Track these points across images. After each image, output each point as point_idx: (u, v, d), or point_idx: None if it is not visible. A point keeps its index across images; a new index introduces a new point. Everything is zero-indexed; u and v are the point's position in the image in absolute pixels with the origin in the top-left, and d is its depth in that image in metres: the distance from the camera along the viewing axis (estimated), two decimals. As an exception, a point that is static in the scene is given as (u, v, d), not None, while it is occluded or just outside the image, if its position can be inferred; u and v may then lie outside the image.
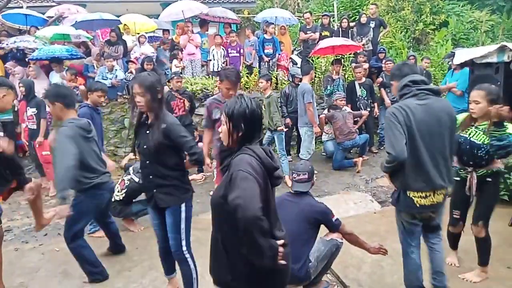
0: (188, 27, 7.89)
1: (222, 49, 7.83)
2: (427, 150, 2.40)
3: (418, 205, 2.47)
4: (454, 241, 3.41)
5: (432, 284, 2.72)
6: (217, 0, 10.91)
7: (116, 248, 3.76)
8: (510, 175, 4.60)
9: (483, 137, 2.88)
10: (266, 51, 7.80)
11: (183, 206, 2.66)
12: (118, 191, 4.19)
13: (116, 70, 7.11)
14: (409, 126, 2.37)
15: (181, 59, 7.58)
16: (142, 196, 3.96)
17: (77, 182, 2.95)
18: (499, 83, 4.16)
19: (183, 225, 2.67)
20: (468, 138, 2.94)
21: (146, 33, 9.10)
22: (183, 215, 2.66)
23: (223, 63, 7.72)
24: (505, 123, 2.70)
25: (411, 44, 11.40)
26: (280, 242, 1.68)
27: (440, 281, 2.69)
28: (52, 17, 8.95)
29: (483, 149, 2.87)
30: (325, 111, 6.57)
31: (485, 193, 3.02)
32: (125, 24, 8.60)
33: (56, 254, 3.85)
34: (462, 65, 5.55)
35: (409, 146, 2.37)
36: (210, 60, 7.81)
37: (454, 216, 3.20)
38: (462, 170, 3.06)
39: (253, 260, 1.61)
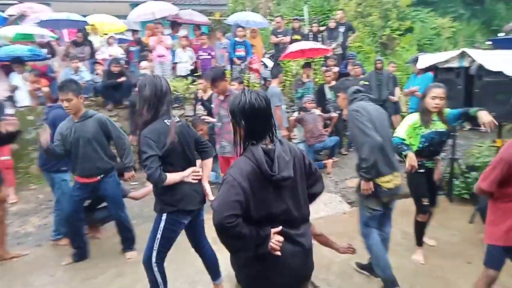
0: (157, 28, 7.77)
1: (190, 50, 7.75)
2: (384, 139, 2.86)
3: (386, 189, 2.89)
4: (421, 232, 3.55)
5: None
6: (188, 2, 10.82)
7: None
8: (470, 175, 4.82)
9: (443, 125, 3.28)
10: (237, 53, 7.80)
11: (163, 216, 2.59)
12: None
13: (81, 71, 6.89)
14: (369, 120, 2.85)
15: (151, 61, 7.45)
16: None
17: None
18: (460, 86, 4.35)
19: (159, 235, 2.59)
20: (436, 130, 3.27)
21: (115, 34, 8.89)
22: (161, 224, 2.58)
23: (191, 65, 7.64)
24: None
25: (379, 49, 11.76)
26: (275, 230, 1.73)
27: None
28: (14, 15, 8.56)
29: (447, 135, 3.32)
30: (295, 114, 6.64)
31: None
32: (92, 24, 8.36)
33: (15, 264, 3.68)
34: (424, 70, 5.76)
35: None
36: (177, 62, 7.70)
37: (424, 203, 3.37)
38: (429, 162, 3.35)
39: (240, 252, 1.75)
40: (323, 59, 8.39)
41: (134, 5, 9.26)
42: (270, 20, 10.14)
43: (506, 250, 2.47)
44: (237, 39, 7.85)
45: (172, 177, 2.50)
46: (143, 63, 7.25)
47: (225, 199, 1.62)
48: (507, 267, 2.96)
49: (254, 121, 1.74)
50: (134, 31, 8.77)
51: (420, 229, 3.55)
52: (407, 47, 11.54)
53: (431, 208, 3.51)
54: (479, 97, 4.09)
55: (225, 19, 9.58)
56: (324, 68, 7.29)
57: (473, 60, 4.17)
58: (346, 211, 4.88)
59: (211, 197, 2.87)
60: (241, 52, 7.80)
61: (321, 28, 8.89)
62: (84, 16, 8.12)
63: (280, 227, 1.75)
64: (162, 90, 2.51)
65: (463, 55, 4.29)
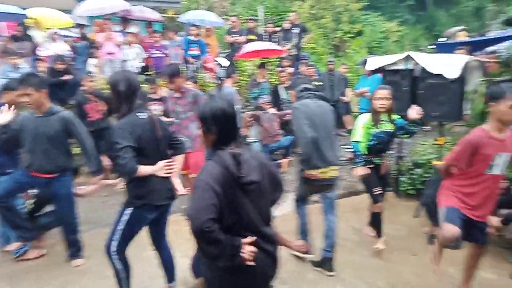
0: (106, 24, 7.43)
1: (138, 47, 7.48)
2: (322, 135, 3.17)
3: (319, 178, 3.23)
4: (380, 223, 3.67)
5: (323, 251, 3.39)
6: (140, -2, 10.44)
7: None
8: (415, 172, 5.10)
9: (391, 126, 3.48)
10: (191, 52, 7.66)
11: (127, 210, 2.57)
12: (24, 204, 3.76)
13: (21, 68, 6.41)
14: (309, 117, 3.17)
15: (99, 58, 7.10)
16: (49, 208, 3.63)
17: None
18: (406, 88, 4.57)
19: (119, 228, 2.57)
20: (385, 130, 3.45)
21: (60, 29, 8.37)
22: (125, 217, 2.57)
23: (140, 62, 7.37)
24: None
25: (331, 51, 12.13)
26: (247, 240, 1.70)
27: (329, 243, 3.38)
28: None
29: (393, 135, 3.52)
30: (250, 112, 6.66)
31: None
32: (35, 18, 7.82)
33: None
34: (373, 71, 6.01)
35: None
36: (125, 60, 7.39)
37: (377, 193, 3.53)
38: (376, 159, 3.56)
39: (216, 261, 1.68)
40: (279, 60, 8.48)
41: (81, -1, 8.79)
42: (225, 19, 10.08)
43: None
44: (191, 37, 7.72)
45: (144, 169, 2.50)
46: (91, 61, 6.91)
47: (201, 203, 1.59)
48: (453, 258, 3.18)
49: (225, 126, 1.75)
50: (81, 26, 8.32)
51: (378, 221, 3.69)
52: (358, 49, 12.01)
53: (383, 200, 3.68)
54: (423, 98, 4.32)
55: (179, 17, 9.38)
56: (279, 68, 7.37)
57: (417, 63, 4.41)
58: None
59: (182, 191, 2.97)
60: (195, 51, 7.67)
61: (276, 29, 8.98)
62: (24, 9, 7.57)
63: (253, 238, 1.73)
64: (135, 84, 2.57)
65: (408, 58, 4.51)
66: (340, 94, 7.86)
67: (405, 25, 14.06)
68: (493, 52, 7.33)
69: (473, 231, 2.72)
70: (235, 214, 1.71)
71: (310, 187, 3.34)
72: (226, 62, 7.80)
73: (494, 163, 2.55)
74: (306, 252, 3.25)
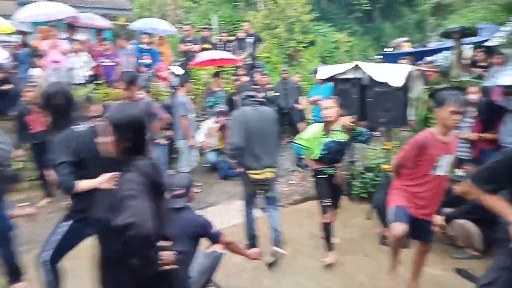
0: (51, 31, 7.06)
1: (85, 55, 7.17)
2: (258, 140, 3.45)
3: (254, 178, 3.51)
4: (329, 234, 3.63)
5: (273, 239, 3.64)
6: (88, 5, 10.05)
7: None
8: (367, 175, 5.30)
9: (343, 135, 3.47)
10: (143, 61, 7.47)
11: (66, 223, 2.55)
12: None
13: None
14: (245, 124, 3.44)
15: (42, 66, 6.70)
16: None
17: None
18: (355, 96, 4.77)
19: (55, 238, 2.53)
20: (335, 140, 3.49)
21: None
22: (64, 229, 2.54)
23: (88, 71, 7.08)
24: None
25: (286, 60, 12.41)
26: (166, 244, 1.69)
27: (277, 235, 3.64)
28: None
29: (345, 145, 3.53)
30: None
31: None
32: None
33: None
34: (326, 80, 6.21)
35: (246, 138, 3.43)
36: (72, 68, 7.03)
37: (326, 204, 3.57)
38: (329, 168, 3.57)
39: (143, 271, 1.62)
40: (234, 69, 8.52)
41: (22, 4, 8.31)
42: (179, 28, 9.98)
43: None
44: (143, 46, 7.54)
45: (83, 184, 2.40)
46: (35, 70, 6.52)
47: (141, 211, 1.54)
48: (403, 258, 3.31)
49: (140, 134, 1.72)
50: (23, 33, 7.84)
51: (327, 231, 3.66)
52: (311, 58, 12.39)
53: (333, 210, 3.74)
54: (371, 105, 4.54)
55: (130, 25, 9.15)
56: (234, 77, 7.40)
57: (365, 72, 4.62)
58: (258, 217, 4.95)
59: None
60: (146, 59, 7.49)
61: (231, 38, 9.03)
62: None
63: (170, 242, 1.74)
64: (70, 96, 2.50)
65: (356, 67, 4.72)
66: (294, 102, 8.04)
67: (355, 36, 14.73)
68: (432, 61, 7.89)
69: (419, 230, 2.87)
70: (157, 222, 1.68)
71: (249, 187, 3.65)
72: (180, 71, 7.69)
73: (438, 164, 2.71)
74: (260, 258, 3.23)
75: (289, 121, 8.07)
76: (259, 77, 7.46)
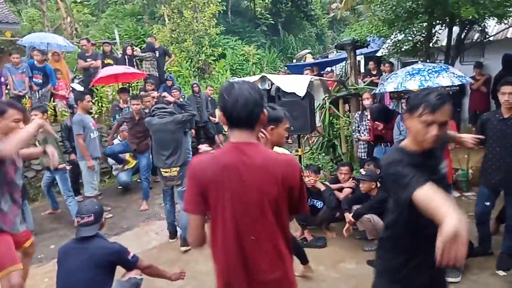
0: None
1: None
2: (160, 144, 4.25)
3: (164, 176, 4.30)
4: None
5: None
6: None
7: None
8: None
9: None
10: (35, 79, 6.74)
11: None
12: None
13: None
14: (152, 132, 4.40)
15: None
16: None
17: None
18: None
19: None
20: None
21: None
22: None
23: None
24: None
25: (197, 73, 12.35)
26: None
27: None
28: None
29: None
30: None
31: None
32: None
33: None
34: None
35: (154, 142, 4.41)
36: None
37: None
38: None
39: None
40: (142, 84, 8.20)
41: None
42: (77, 42, 9.31)
43: None
44: (35, 63, 6.81)
45: None
46: None
47: None
48: (317, 256, 3.47)
49: None
50: None
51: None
52: (222, 71, 12.53)
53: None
54: (280, 114, 4.72)
55: (19, 40, 8.24)
56: (143, 92, 7.11)
57: (272, 83, 4.81)
58: (179, 235, 4.79)
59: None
60: (38, 78, 6.80)
61: (135, 52, 8.70)
62: None
63: None
64: None
65: (264, 79, 4.88)
66: (209, 115, 8.04)
67: (262, 49, 15.31)
68: (332, 71, 8.58)
69: None
70: None
71: (163, 183, 4.42)
72: (80, 88, 7.15)
73: None
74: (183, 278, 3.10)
75: (205, 134, 8.03)
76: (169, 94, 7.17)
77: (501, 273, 3.29)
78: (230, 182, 1.45)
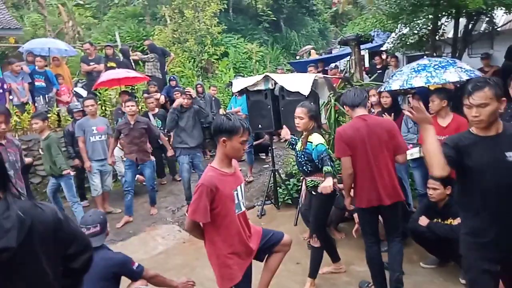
0: None
1: None
2: None
3: None
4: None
5: None
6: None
7: None
8: (290, 182, 5.42)
9: (299, 145, 3.34)
10: (37, 83, 6.75)
11: None
12: None
13: None
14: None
15: None
16: None
17: None
18: (269, 106, 4.83)
19: None
20: (296, 149, 3.41)
21: None
22: None
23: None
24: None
25: (200, 73, 12.29)
26: None
27: None
28: None
29: (300, 155, 3.29)
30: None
31: (312, 205, 3.36)
32: None
33: None
34: (242, 92, 6.26)
35: None
36: None
37: None
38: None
39: None
40: (146, 86, 8.16)
41: None
42: (80, 46, 9.29)
43: None
44: (36, 68, 6.80)
45: None
46: None
47: None
48: (295, 258, 3.40)
49: None
50: None
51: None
52: (225, 70, 12.45)
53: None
54: (284, 114, 4.63)
55: (22, 46, 8.23)
56: (146, 95, 7.07)
57: (276, 83, 4.72)
58: (186, 239, 4.74)
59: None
60: (40, 82, 6.81)
61: (135, 57, 8.69)
62: None
63: None
64: None
65: (267, 78, 4.80)
66: (214, 115, 7.97)
67: (265, 46, 15.20)
68: (337, 67, 8.45)
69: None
70: None
71: None
72: (84, 92, 7.13)
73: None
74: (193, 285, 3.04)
75: (210, 135, 7.97)
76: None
77: None
78: (363, 135, 2.85)
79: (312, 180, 3.31)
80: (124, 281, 2.63)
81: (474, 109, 1.92)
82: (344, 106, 3.17)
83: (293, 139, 3.64)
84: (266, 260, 2.68)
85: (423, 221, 3.36)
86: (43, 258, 1.28)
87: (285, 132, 3.84)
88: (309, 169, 3.27)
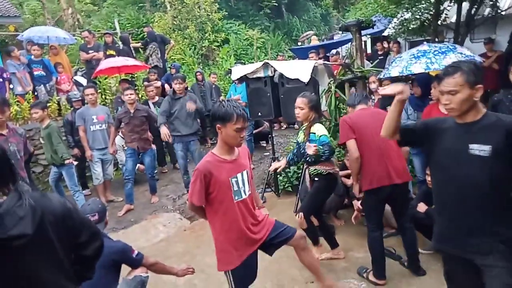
0: None
1: None
2: None
3: None
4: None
5: None
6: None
7: None
8: (290, 169, 5.43)
9: (302, 136, 3.35)
10: (36, 73, 6.72)
11: None
12: None
13: None
14: None
15: None
16: None
17: None
18: (268, 94, 4.81)
19: None
20: (298, 140, 3.45)
21: None
22: None
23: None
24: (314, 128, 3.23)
25: (201, 60, 12.20)
26: None
27: None
28: None
29: (304, 147, 3.29)
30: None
31: (312, 188, 3.44)
32: None
33: None
34: (242, 80, 6.22)
35: None
36: None
37: None
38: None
39: None
40: (146, 73, 8.12)
41: None
42: (79, 34, 9.23)
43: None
44: (32, 57, 6.77)
45: None
46: None
47: None
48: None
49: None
50: None
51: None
52: (226, 57, 12.34)
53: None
54: (284, 101, 4.61)
55: (22, 34, 8.18)
56: (146, 83, 7.04)
57: (275, 70, 4.68)
58: (187, 227, 4.79)
59: None
60: (40, 71, 6.79)
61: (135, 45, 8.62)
62: None
63: None
64: None
65: (266, 65, 4.75)
66: (214, 103, 7.95)
67: (266, 32, 15.03)
68: (338, 53, 8.36)
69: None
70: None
71: None
72: (84, 81, 7.11)
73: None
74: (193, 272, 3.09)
75: (211, 123, 7.96)
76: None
77: None
78: (367, 121, 3.05)
79: (315, 169, 3.33)
80: (124, 269, 2.66)
81: (444, 96, 1.82)
82: (348, 108, 3.41)
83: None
84: (302, 261, 2.82)
85: (422, 207, 3.37)
86: (57, 246, 1.34)
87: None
88: (313, 158, 3.27)
